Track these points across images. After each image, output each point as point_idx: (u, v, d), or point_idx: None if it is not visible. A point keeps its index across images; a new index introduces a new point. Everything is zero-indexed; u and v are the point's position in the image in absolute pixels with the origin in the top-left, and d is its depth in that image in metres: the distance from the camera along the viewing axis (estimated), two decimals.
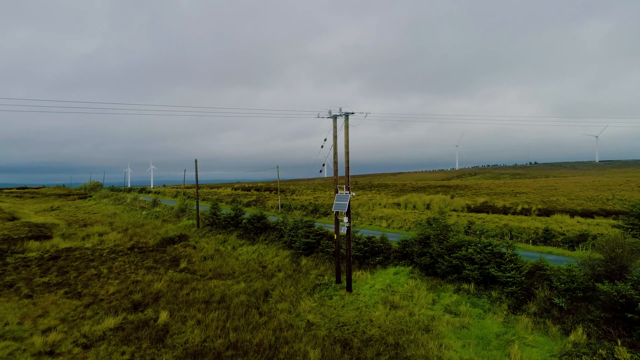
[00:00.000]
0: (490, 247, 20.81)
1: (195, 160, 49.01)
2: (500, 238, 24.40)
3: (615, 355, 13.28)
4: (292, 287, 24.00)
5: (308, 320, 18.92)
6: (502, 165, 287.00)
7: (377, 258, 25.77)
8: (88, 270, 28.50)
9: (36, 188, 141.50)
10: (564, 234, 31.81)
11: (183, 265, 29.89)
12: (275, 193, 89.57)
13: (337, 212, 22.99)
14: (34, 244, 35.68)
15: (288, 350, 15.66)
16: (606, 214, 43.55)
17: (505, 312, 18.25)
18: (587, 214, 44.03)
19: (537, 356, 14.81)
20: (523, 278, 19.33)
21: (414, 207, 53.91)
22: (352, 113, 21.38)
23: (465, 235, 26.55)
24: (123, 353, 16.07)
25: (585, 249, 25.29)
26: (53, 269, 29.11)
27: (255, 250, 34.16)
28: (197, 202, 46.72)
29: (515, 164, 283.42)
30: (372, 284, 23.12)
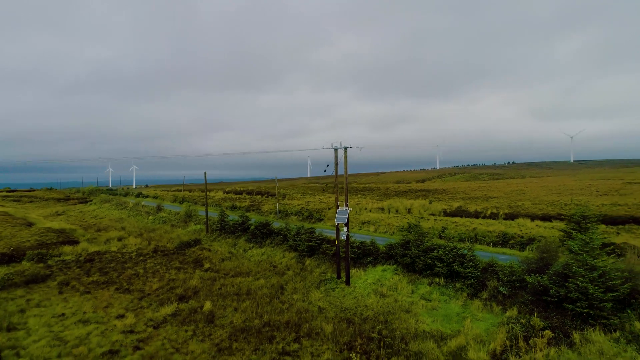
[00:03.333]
0: (455, 250, 27.36)
1: (205, 173, 54.42)
2: (463, 242, 31.03)
3: (531, 322, 19.87)
4: (301, 282, 30.10)
5: (319, 306, 25.09)
6: (481, 165, 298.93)
7: (368, 259, 32.10)
8: (126, 271, 33.83)
9: (26, 190, 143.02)
10: (522, 237, 38.72)
11: (207, 265, 35.57)
12: (267, 197, 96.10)
13: (338, 224, 29.18)
14: (67, 248, 40.65)
15: (309, 326, 21.77)
16: (562, 218, 50.94)
17: (464, 298, 24.77)
18: (546, 218, 51.33)
19: (482, 326, 21.33)
20: (479, 273, 25.88)
21: (397, 211, 60.58)
22: (350, 147, 27.58)
23: (438, 239, 33.09)
24: (186, 331, 21.85)
25: (531, 250, 32.18)
26: (94, 270, 34.25)
27: (264, 252, 40.06)
28: (207, 209, 52.24)
29: (494, 164, 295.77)
30: (365, 279, 29.41)
